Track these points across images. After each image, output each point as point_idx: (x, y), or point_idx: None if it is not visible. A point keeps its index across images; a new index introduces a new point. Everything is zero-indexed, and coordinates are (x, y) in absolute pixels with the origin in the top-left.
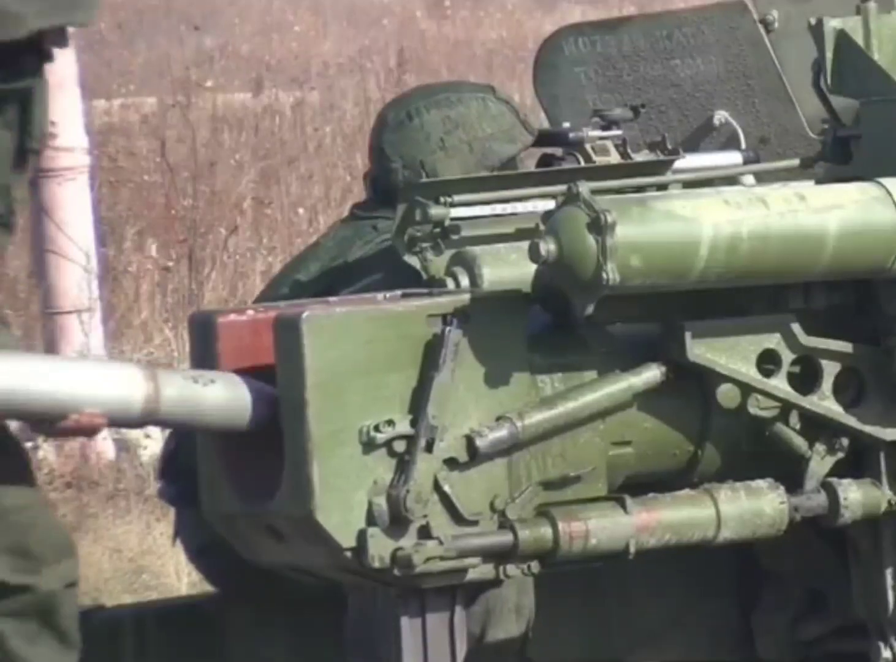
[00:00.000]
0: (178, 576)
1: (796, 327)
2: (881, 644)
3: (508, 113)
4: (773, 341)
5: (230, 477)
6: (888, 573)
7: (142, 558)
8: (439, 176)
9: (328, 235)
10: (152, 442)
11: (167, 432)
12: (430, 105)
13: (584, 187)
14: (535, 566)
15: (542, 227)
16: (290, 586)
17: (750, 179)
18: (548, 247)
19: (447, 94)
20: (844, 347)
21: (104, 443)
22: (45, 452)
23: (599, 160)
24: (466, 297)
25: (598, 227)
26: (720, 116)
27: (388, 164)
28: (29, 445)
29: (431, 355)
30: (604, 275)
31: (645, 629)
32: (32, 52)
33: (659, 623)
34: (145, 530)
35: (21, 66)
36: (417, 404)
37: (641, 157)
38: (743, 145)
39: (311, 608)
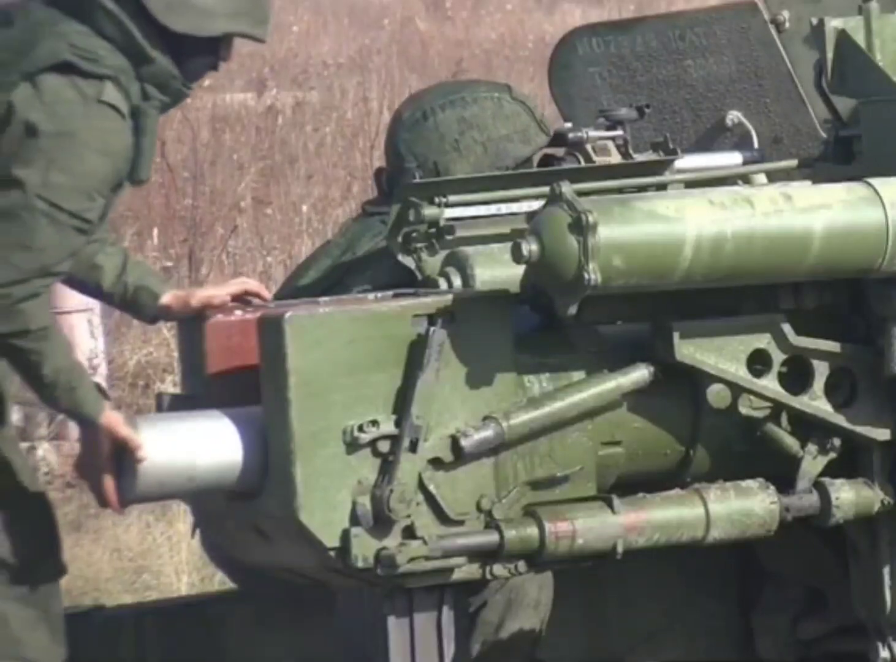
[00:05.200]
0: (178, 576)
1: (787, 327)
2: (880, 644)
3: (524, 113)
4: (764, 341)
5: None
6: (886, 573)
7: (142, 558)
8: (452, 176)
9: (340, 233)
10: None
11: None
12: (446, 105)
13: (567, 188)
14: (521, 566)
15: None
16: (294, 589)
17: (762, 178)
18: (530, 247)
19: (462, 94)
20: (835, 347)
21: None
22: (45, 452)
23: (600, 160)
24: (451, 297)
25: (580, 227)
26: (733, 116)
27: (402, 163)
28: (27, 445)
29: (416, 356)
30: (586, 275)
31: (645, 629)
32: (208, 57)
33: (659, 623)
34: (145, 530)
35: (197, 69)
36: (402, 404)
37: (645, 157)
38: (756, 145)
39: (311, 608)
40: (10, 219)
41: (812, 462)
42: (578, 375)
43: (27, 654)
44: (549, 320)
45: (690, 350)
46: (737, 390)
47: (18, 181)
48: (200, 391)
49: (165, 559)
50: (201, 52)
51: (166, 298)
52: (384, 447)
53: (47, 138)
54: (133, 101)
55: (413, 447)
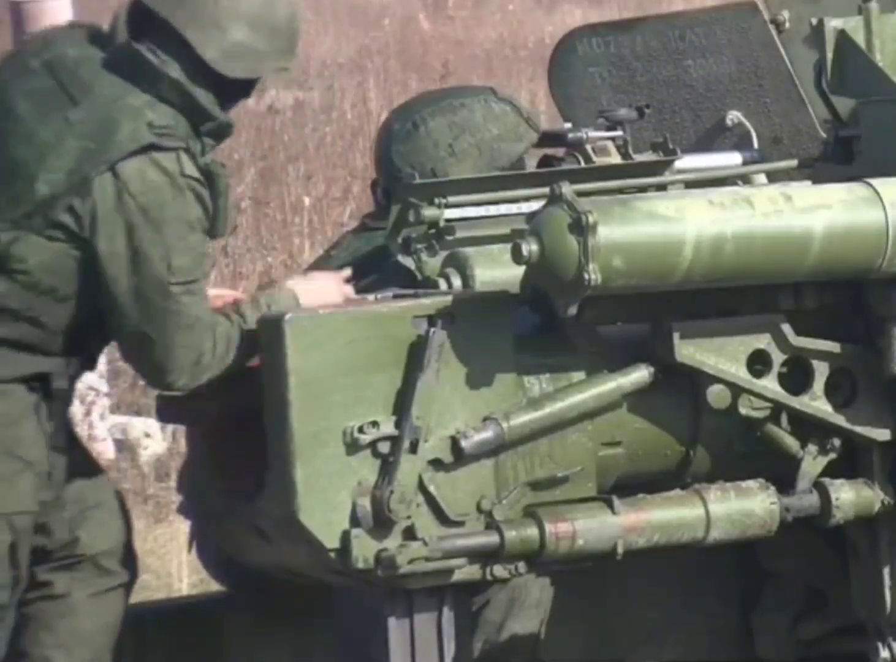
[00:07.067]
0: (178, 576)
1: (786, 328)
2: (880, 644)
3: (511, 112)
4: (764, 341)
5: (217, 477)
6: (886, 573)
7: (142, 558)
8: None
9: (340, 246)
10: (152, 442)
11: (168, 432)
12: (435, 112)
13: (567, 188)
14: (521, 566)
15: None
16: (293, 591)
17: (762, 178)
18: (530, 248)
19: (450, 99)
20: (835, 347)
21: (104, 443)
22: None
23: (599, 161)
24: (451, 298)
25: (580, 227)
26: (733, 116)
27: (397, 174)
28: None
29: (416, 356)
30: (586, 276)
31: (645, 629)
32: (245, 94)
33: (659, 622)
34: (145, 530)
35: (232, 106)
36: (402, 405)
37: (644, 157)
38: (756, 145)
39: (311, 609)
40: (162, 314)
41: (812, 463)
42: (578, 375)
43: (83, 653)
44: (549, 320)
45: (690, 351)
46: (737, 390)
47: (154, 279)
48: (200, 392)
49: (165, 560)
50: (243, 91)
51: None
52: (384, 447)
53: (155, 229)
54: (199, 161)
55: (413, 448)
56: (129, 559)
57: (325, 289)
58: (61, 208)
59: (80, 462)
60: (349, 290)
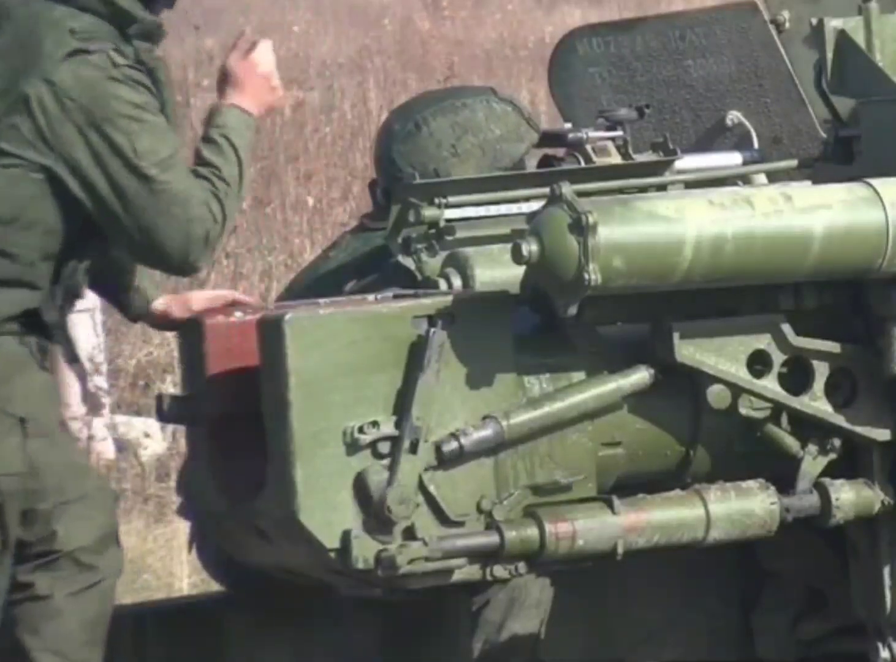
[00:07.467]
0: (178, 576)
1: (786, 328)
2: (880, 644)
3: (513, 112)
4: (764, 341)
5: (217, 477)
6: (886, 573)
7: (142, 558)
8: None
9: (339, 246)
10: (152, 442)
11: (168, 432)
12: (437, 113)
13: (567, 188)
14: (522, 566)
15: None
16: (293, 591)
17: (762, 178)
18: (530, 248)
19: (451, 100)
20: (835, 347)
21: (104, 443)
22: None
23: (600, 161)
24: (451, 298)
25: (580, 227)
26: (733, 116)
27: (398, 174)
28: None
29: (416, 357)
30: (586, 276)
31: (645, 629)
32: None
33: (659, 623)
34: (145, 530)
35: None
36: (402, 405)
37: (644, 157)
38: (756, 145)
39: (311, 609)
40: (151, 199)
41: (812, 463)
42: (578, 376)
43: (71, 654)
44: (549, 320)
45: (690, 351)
46: (737, 390)
47: (126, 170)
48: (200, 392)
49: (166, 560)
50: None
51: (161, 303)
52: (384, 448)
53: (106, 123)
54: (133, 57)
55: (413, 448)
56: (111, 553)
57: (254, 78)
58: (3, 131)
59: (63, 453)
60: (267, 54)
